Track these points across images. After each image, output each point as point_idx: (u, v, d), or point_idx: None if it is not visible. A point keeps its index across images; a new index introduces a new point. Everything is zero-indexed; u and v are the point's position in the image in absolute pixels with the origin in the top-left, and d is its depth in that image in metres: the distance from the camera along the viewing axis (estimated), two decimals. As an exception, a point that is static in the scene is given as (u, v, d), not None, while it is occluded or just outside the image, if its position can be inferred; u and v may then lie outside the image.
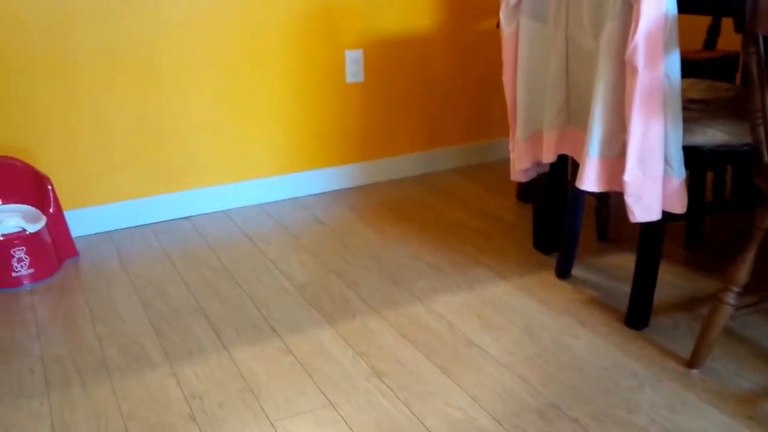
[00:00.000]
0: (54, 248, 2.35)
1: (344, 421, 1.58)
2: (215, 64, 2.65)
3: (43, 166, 2.46)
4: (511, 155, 2.14)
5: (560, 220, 2.24)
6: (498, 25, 2.08)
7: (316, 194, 2.95)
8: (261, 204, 2.85)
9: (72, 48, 2.43)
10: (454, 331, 1.92)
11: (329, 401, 1.65)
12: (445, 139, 3.16)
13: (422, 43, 2.99)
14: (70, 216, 2.50)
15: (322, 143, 2.92)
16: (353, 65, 2.88)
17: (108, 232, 2.63)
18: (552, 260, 2.27)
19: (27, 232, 2.24)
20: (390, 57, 2.95)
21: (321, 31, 2.79)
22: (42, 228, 2.29)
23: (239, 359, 1.82)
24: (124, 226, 2.66)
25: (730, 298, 1.65)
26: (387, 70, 2.96)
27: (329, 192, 2.97)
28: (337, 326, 1.96)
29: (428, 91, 3.07)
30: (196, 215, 2.76)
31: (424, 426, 1.55)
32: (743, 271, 1.63)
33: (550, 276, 2.19)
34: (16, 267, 2.22)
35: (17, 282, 2.23)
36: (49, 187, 2.37)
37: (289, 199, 2.90)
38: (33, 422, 1.61)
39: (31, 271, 2.24)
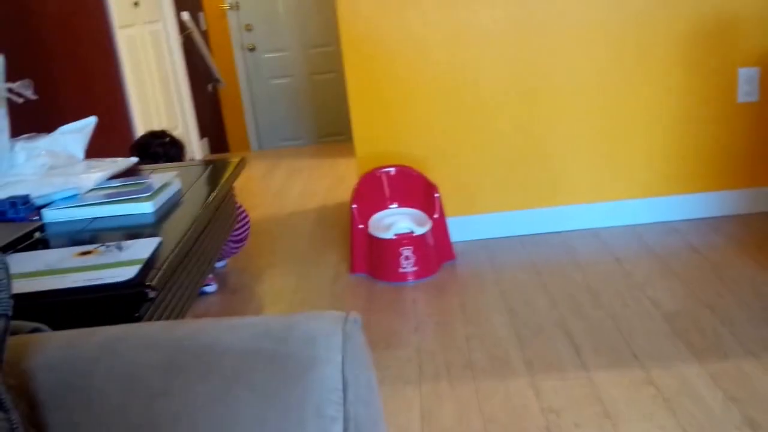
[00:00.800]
0: (435, 250, 2.54)
1: (708, 469, 1.45)
2: (596, 83, 2.62)
3: (433, 176, 2.68)
4: None
5: None
6: None
7: (691, 219, 2.73)
8: (631, 225, 2.74)
9: (462, 74, 2.60)
10: None
11: (692, 444, 1.52)
12: None
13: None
14: (451, 222, 2.68)
15: (702, 166, 2.70)
16: (747, 84, 2.60)
17: (483, 239, 2.77)
18: None
19: (415, 234, 2.45)
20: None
21: (711, 48, 2.58)
22: (427, 231, 2.50)
23: (597, 381, 1.78)
24: (498, 236, 2.77)
25: None
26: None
27: (706, 218, 2.73)
28: (706, 364, 1.79)
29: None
30: (565, 231, 2.75)
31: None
32: None
33: None
34: (403, 264, 2.45)
35: (402, 277, 2.46)
36: (437, 195, 2.57)
37: (662, 222, 2.74)
38: (405, 407, 1.76)
39: (415, 269, 2.46)
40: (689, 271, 2.31)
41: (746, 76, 2.60)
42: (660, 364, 1.82)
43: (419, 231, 2.47)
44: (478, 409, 1.72)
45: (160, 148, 2.44)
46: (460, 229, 2.74)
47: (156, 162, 2.43)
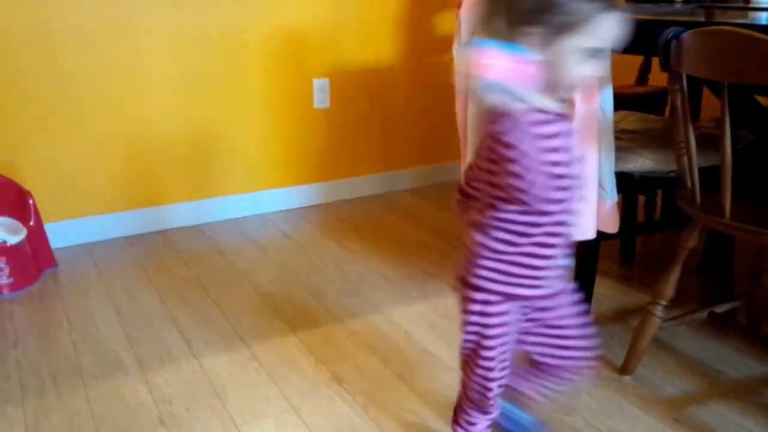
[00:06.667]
0: (33, 259, 2.28)
1: (305, 424, 1.56)
2: (188, 89, 2.62)
3: (25, 180, 2.39)
4: (463, 176, 2.14)
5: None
6: (451, 59, 2.09)
7: (283, 211, 2.91)
8: (231, 219, 2.81)
9: (53, 66, 2.38)
10: (410, 339, 1.91)
11: (291, 406, 1.62)
12: (403, 161, 3.16)
13: (383, 73, 2.99)
14: (50, 228, 2.43)
15: (289, 164, 2.90)
16: (320, 92, 2.86)
17: (86, 243, 2.56)
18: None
19: (7, 244, 2.17)
20: (353, 85, 2.94)
21: (291, 61, 2.78)
22: (22, 240, 2.23)
23: (207, 366, 1.79)
24: (102, 238, 2.59)
25: (658, 311, 1.67)
26: (350, 97, 2.95)
27: (295, 209, 2.94)
28: (300, 334, 1.93)
29: (388, 117, 3.07)
30: (171, 228, 2.70)
31: (380, 429, 1.54)
32: (669, 287, 1.66)
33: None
34: (-4, 277, 2.15)
35: (-4, 291, 2.16)
36: (30, 201, 2.31)
37: (258, 214, 2.86)
38: (7, 427, 1.55)
39: (10, 280, 2.17)
40: (284, 255, 2.47)
41: (318, 86, 2.86)
42: (262, 341, 1.90)
43: (12, 240, 2.19)
44: (90, 414, 1.60)
45: None
46: (62, 235, 2.50)
47: None
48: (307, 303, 2.12)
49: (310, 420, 1.57)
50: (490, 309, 1.12)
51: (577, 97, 1.62)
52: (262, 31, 2.69)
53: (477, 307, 1.13)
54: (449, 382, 1.71)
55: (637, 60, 2.73)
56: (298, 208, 2.94)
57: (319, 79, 2.86)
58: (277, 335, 1.93)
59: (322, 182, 2.98)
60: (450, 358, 1.81)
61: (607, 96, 1.65)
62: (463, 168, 2.15)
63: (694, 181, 1.57)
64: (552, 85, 0.98)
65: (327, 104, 2.90)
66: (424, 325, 1.98)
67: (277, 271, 2.33)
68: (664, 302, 1.67)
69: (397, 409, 1.61)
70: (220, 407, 1.62)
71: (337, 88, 2.91)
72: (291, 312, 2.06)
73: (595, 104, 1.63)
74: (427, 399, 1.64)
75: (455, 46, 2.05)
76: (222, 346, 1.88)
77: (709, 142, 1.62)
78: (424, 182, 3.21)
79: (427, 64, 3.07)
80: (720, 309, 1.85)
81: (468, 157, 2.10)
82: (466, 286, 1.14)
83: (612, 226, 1.73)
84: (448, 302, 2.11)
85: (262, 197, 2.87)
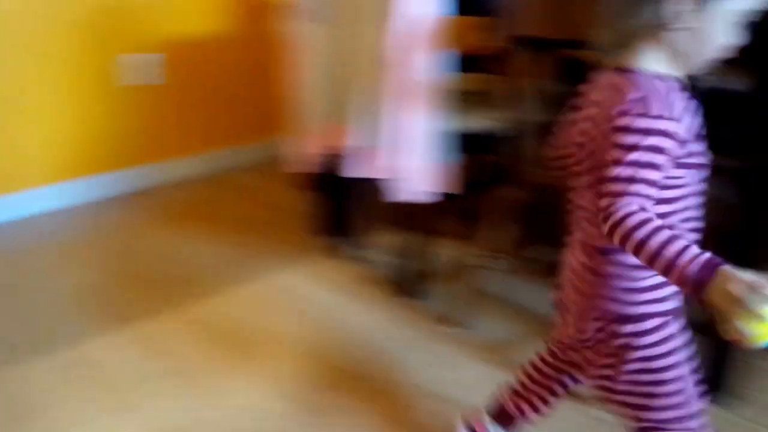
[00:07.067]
0: None
1: (137, 422, 1.47)
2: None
3: None
4: (292, 148, 2.11)
5: (337, 205, 2.25)
6: (280, 28, 2.03)
7: (100, 199, 2.68)
8: (43, 212, 2.54)
9: None
10: (252, 321, 1.85)
11: (123, 405, 1.52)
12: (232, 137, 3.05)
13: (215, 47, 2.85)
14: None
15: (105, 148, 2.68)
16: (146, 68, 2.67)
17: None
18: (332, 244, 2.26)
19: None
20: (185, 60, 2.77)
21: (94, 35, 2.55)
22: None
23: (23, 376, 1.62)
24: None
25: (485, 263, 1.74)
26: (184, 73, 2.78)
27: (114, 196, 2.71)
28: (124, 329, 1.79)
29: (218, 92, 2.93)
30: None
31: (217, 422, 1.48)
32: (494, 238, 1.72)
33: (331, 259, 2.19)
34: None
35: None
36: None
37: (73, 206, 2.62)
38: None
39: None
40: (100, 248, 2.26)
41: (145, 61, 2.66)
42: (82, 341, 1.73)
43: None
44: None
45: None
46: None
47: None
48: (128, 296, 1.96)
49: (140, 417, 1.48)
50: (666, 331, 0.92)
51: (400, 61, 1.63)
52: (69, 8, 2.45)
53: (648, 339, 0.91)
54: (285, 359, 1.68)
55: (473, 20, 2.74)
56: (117, 196, 2.71)
57: (154, 54, 2.66)
58: (98, 333, 1.76)
59: (143, 165, 2.78)
60: (294, 336, 1.78)
61: (441, 58, 1.66)
62: (292, 138, 2.11)
63: (528, 137, 1.63)
64: (688, 58, 0.86)
65: (163, 80, 2.71)
66: (266, 304, 1.93)
67: (93, 266, 2.12)
68: (488, 254, 1.73)
69: (231, 396, 1.55)
70: (45, 417, 1.48)
71: (170, 62, 2.72)
72: (112, 307, 1.89)
73: (419, 67, 1.64)
74: (263, 380, 1.60)
75: (285, 13, 1.99)
76: (38, 352, 1.69)
77: (547, 99, 1.69)
78: (254, 158, 3.11)
79: (261, 33, 2.94)
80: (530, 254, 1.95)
81: (299, 127, 2.06)
82: (618, 321, 0.93)
83: (444, 187, 1.76)
84: (288, 279, 2.07)
85: (75, 187, 2.62)
